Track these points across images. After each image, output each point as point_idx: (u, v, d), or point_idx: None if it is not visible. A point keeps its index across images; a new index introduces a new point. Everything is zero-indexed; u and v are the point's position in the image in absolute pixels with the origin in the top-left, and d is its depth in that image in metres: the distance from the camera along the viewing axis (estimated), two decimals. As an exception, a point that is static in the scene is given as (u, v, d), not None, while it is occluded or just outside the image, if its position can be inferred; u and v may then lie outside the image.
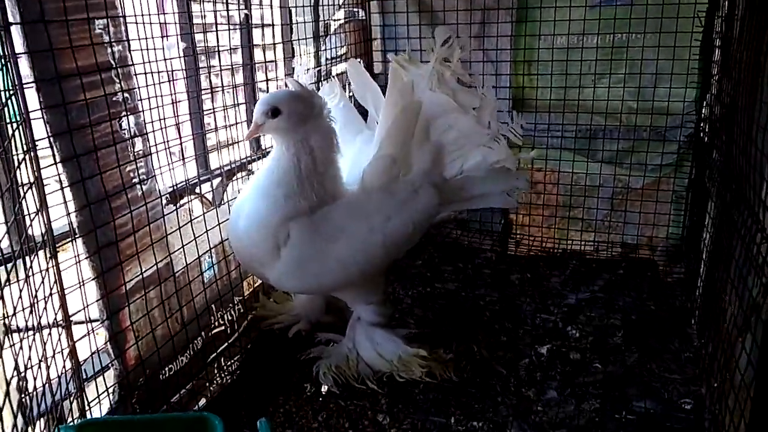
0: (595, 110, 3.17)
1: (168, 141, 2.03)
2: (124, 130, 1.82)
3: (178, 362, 2.13)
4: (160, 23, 1.96)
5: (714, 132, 2.66)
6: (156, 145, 1.98)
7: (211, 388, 2.24)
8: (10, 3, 1.45)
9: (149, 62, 1.91)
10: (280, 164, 2.01)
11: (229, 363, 2.38)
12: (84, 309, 1.73)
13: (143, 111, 1.91)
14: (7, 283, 1.29)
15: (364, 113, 2.57)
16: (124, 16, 1.80)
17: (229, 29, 2.35)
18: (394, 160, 2.12)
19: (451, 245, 3.50)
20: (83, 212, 1.69)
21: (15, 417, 1.23)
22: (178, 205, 2.13)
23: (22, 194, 1.46)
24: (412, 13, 3.35)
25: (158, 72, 1.97)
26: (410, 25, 3.35)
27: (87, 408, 1.76)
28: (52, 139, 1.59)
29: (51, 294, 1.57)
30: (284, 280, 2.13)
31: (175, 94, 2.07)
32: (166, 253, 2.05)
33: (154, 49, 1.93)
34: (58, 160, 1.62)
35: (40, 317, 1.50)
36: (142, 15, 1.87)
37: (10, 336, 1.34)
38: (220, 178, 2.41)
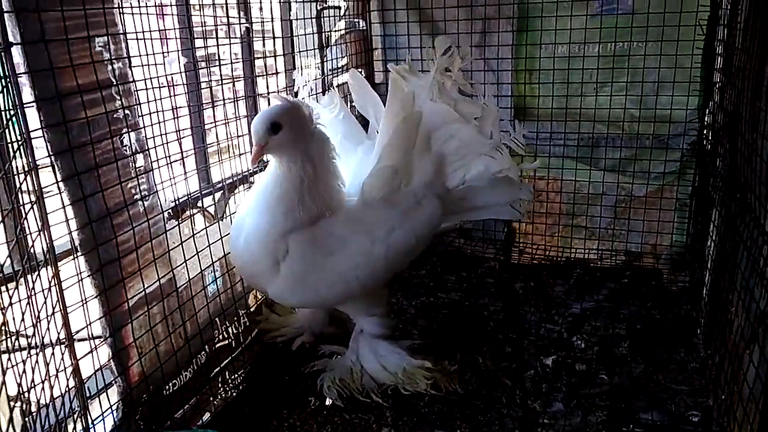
0: (597, 118, 3.16)
1: (170, 156, 2.02)
2: (125, 146, 1.82)
3: (181, 377, 2.13)
4: (160, 38, 1.95)
5: (717, 140, 2.65)
6: (158, 160, 1.98)
7: (215, 402, 2.23)
8: (10, 23, 1.45)
9: (150, 78, 1.91)
10: (282, 180, 1.98)
11: (233, 377, 2.37)
12: (87, 326, 1.72)
13: (144, 127, 1.91)
14: (10, 304, 1.29)
15: (365, 124, 2.56)
16: (125, 33, 1.80)
17: (230, 42, 2.35)
18: (395, 170, 2.11)
19: (454, 254, 3.49)
20: (85, 230, 1.69)
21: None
22: (180, 219, 2.12)
23: (24, 213, 1.46)
24: (413, 23, 3.35)
25: (159, 87, 1.97)
26: (411, 35, 3.35)
27: (91, 426, 1.75)
28: (53, 157, 1.59)
29: (54, 312, 1.57)
30: (285, 295, 2.12)
31: (176, 108, 2.07)
32: (169, 269, 2.04)
33: (155, 64, 1.93)
34: (59, 178, 1.62)
35: (42, 337, 1.50)
36: (143, 31, 1.87)
37: (13, 356, 1.34)
38: (222, 192, 2.41)
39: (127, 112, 1.82)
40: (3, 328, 1.28)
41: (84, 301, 1.70)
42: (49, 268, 1.58)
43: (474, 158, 2.25)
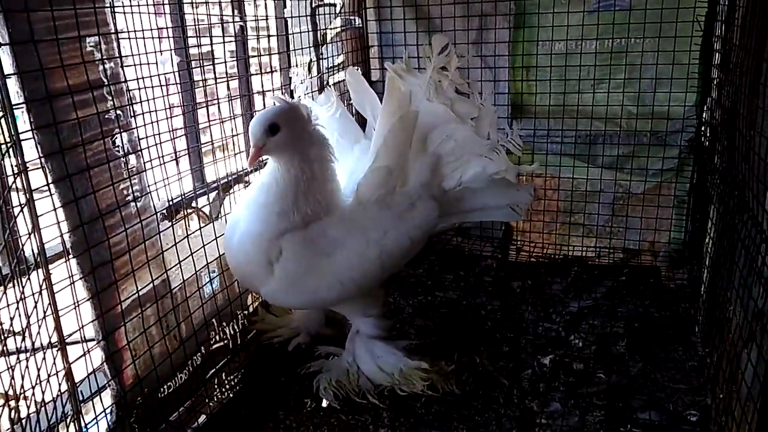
0: (594, 115, 3.14)
1: (163, 156, 2.01)
2: (117, 147, 1.80)
3: (176, 379, 2.11)
4: (152, 37, 1.93)
5: (715, 137, 2.64)
6: (151, 160, 1.96)
7: (211, 404, 2.21)
8: (-2, 24, 1.43)
9: (143, 78, 1.89)
10: (278, 181, 1.96)
11: (228, 378, 2.35)
12: (80, 329, 1.71)
13: (137, 127, 1.89)
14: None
15: (362, 122, 2.55)
16: (117, 32, 1.78)
17: (224, 41, 2.33)
18: (390, 171, 2.10)
19: (451, 253, 3.48)
20: (77, 232, 1.67)
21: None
22: (174, 220, 2.11)
23: (14, 216, 1.44)
24: (409, 20, 3.34)
25: (152, 87, 1.95)
26: (407, 32, 3.34)
27: (84, 429, 1.74)
28: (43, 159, 1.57)
29: (45, 315, 1.56)
30: (278, 296, 2.11)
31: (170, 108, 2.05)
32: (163, 270, 2.02)
33: (148, 64, 1.91)
34: (50, 180, 1.60)
35: (33, 341, 1.48)
36: (135, 30, 1.85)
37: (3, 360, 1.32)
38: (216, 191, 2.39)
39: (119, 112, 1.80)
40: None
41: (76, 304, 1.68)
42: (40, 270, 1.56)
43: (471, 159, 2.22)
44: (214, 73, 2.27)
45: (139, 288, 1.91)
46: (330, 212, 2.04)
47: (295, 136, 1.94)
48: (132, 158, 1.87)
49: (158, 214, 2.00)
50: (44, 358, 1.55)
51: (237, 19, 2.43)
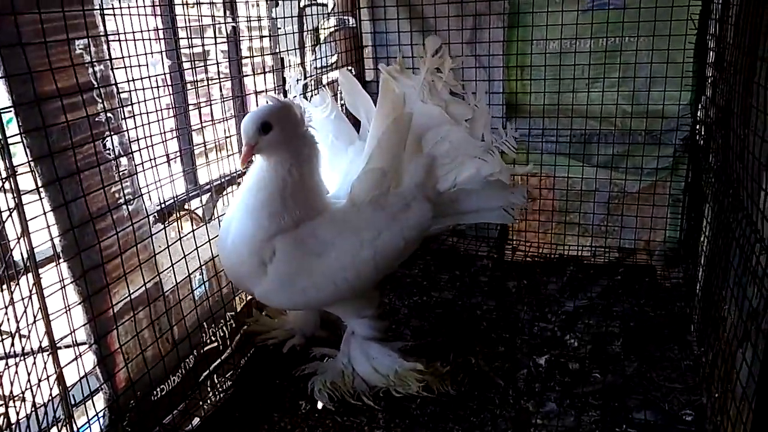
0: (589, 114, 3.14)
1: (155, 159, 1.99)
2: (108, 150, 1.79)
3: (169, 382, 2.10)
4: (143, 39, 1.92)
5: (709, 135, 2.63)
6: (142, 163, 1.95)
7: (205, 407, 2.21)
8: (-15, 27, 1.42)
9: (134, 80, 1.88)
10: (267, 182, 1.96)
11: (222, 381, 2.35)
12: (71, 333, 1.70)
13: (128, 129, 1.88)
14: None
15: (355, 123, 2.54)
16: (106, 35, 1.76)
17: (215, 42, 2.32)
18: (384, 172, 2.09)
19: (447, 252, 3.47)
20: (67, 236, 1.66)
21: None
22: (166, 222, 2.10)
23: (2, 220, 1.43)
24: (403, 20, 3.33)
25: (143, 89, 1.94)
26: (401, 32, 3.33)
27: (76, 434, 1.73)
28: (33, 163, 1.56)
29: (35, 320, 1.55)
30: (272, 297, 2.10)
31: (161, 110, 2.04)
32: (155, 273, 2.01)
33: (138, 66, 1.90)
34: (40, 183, 1.59)
35: (23, 346, 1.47)
36: (125, 32, 1.84)
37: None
38: (209, 194, 2.38)
39: (109, 115, 1.78)
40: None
41: (67, 308, 1.67)
42: (29, 275, 1.55)
43: (465, 161, 2.22)
44: (206, 74, 2.25)
45: (132, 291, 1.89)
46: (319, 213, 2.03)
47: (288, 136, 1.94)
48: (123, 161, 1.86)
49: (150, 216, 1.99)
50: (35, 363, 1.54)
51: (229, 19, 2.42)
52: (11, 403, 1.46)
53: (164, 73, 2.06)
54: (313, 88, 2.90)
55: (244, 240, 1.98)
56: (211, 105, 2.31)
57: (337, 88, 2.98)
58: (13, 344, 1.41)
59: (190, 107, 2.27)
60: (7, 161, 1.47)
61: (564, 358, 2.45)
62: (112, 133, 1.80)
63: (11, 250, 1.46)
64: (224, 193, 2.45)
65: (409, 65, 2.30)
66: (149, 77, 1.95)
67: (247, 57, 2.56)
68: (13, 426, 1.44)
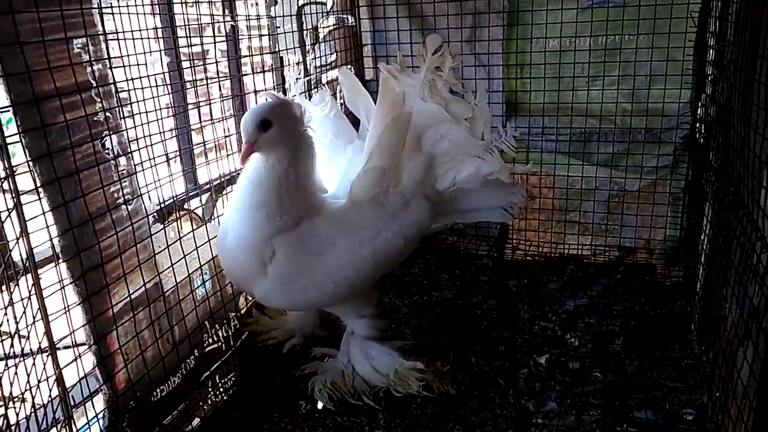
0: (589, 113, 3.13)
1: (154, 158, 1.99)
2: (107, 149, 1.78)
3: (170, 383, 2.09)
4: (142, 38, 1.91)
5: (710, 133, 2.63)
6: (141, 162, 1.95)
7: (205, 407, 2.20)
8: (-18, 26, 1.41)
9: (132, 79, 1.88)
10: (262, 181, 1.95)
11: (222, 381, 2.34)
12: (70, 334, 1.69)
13: (127, 129, 1.87)
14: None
15: (355, 122, 2.53)
16: (105, 34, 1.76)
17: (215, 41, 2.31)
18: (384, 171, 2.08)
19: (447, 251, 3.47)
20: (66, 236, 1.66)
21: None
22: (166, 222, 2.09)
23: (1, 220, 1.43)
24: (403, 19, 3.32)
25: (142, 88, 1.93)
26: (401, 31, 3.32)
27: (76, 435, 1.72)
28: (31, 163, 1.56)
29: (35, 321, 1.54)
30: (272, 297, 2.09)
31: (160, 109, 2.03)
32: (155, 273, 2.01)
33: (137, 65, 1.89)
34: (38, 184, 1.58)
35: (23, 347, 1.46)
36: (123, 31, 1.83)
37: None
38: (209, 193, 2.38)
39: (108, 114, 1.78)
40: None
41: (67, 309, 1.67)
42: (29, 275, 1.54)
43: (465, 159, 2.20)
44: (205, 73, 2.25)
45: (131, 291, 1.89)
46: (318, 212, 2.03)
47: (287, 133, 1.93)
48: (122, 160, 1.85)
49: (150, 216, 1.99)
50: (34, 363, 1.53)
51: (228, 18, 2.41)
52: (11, 404, 1.46)
53: (163, 72, 2.06)
54: (312, 87, 2.89)
55: (243, 240, 1.98)
56: (210, 104, 2.30)
57: (336, 86, 2.97)
58: (12, 345, 1.40)
59: (190, 106, 2.26)
60: (5, 161, 1.46)
61: (564, 357, 2.45)
62: (110, 132, 1.79)
63: (10, 250, 1.45)
64: (224, 192, 2.44)
65: (409, 64, 2.29)
66: (148, 76, 1.94)
67: (246, 56, 2.55)
68: (13, 427, 1.44)
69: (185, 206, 2.31)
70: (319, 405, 2.20)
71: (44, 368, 1.58)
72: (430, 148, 2.20)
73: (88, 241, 1.73)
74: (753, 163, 1.68)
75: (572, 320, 2.71)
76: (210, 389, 2.29)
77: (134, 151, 1.91)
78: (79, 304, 1.71)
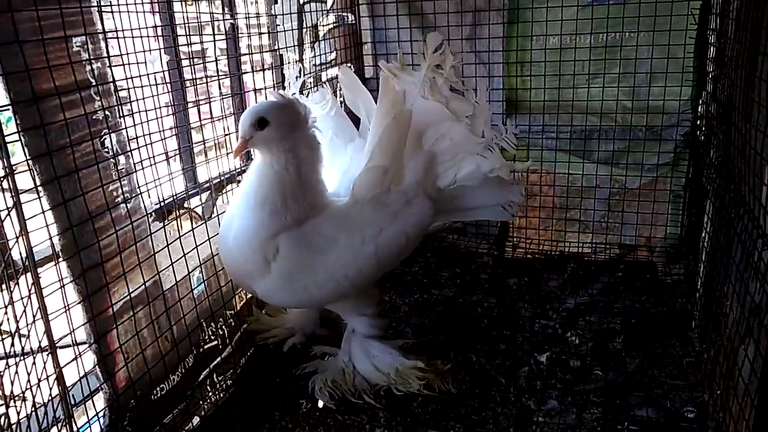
0: (589, 110, 3.13)
1: (154, 157, 1.98)
2: (106, 148, 1.78)
3: (170, 381, 2.09)
4: (141, 36, 1.91)
5: (710, 130, 2.62)
6: (141, 161, 1.94)
7: (205, 406, 2.20)
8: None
9: (132, 77, 1.87)
10: (264, 180, 1.95)
11: (222, 379, 2.34)
12: (71, 333, 1.69)
13: (126, 127, 1.87)
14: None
15: (356, 120, 2.53)
16: (104, 32, 1.75)
17: (214, 40, 2.31)
18: (385, 170, 2.08)
19: (447, 250, 3.46)
20: (66, 235, 1.65)
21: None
22: (166, 221, 2.09)
23: (1, 219, 1.42)
24: (402, 17, 3.31)
25: (142, 87, 1.93)
26: (401, 29, 3.32)
27: (76, 434, 1.72)
28: (31, 161, 1.55)
29: (35, 320, 1.54)
30: (274, 295, 2.09)
31: (160, 108, 2.03)
32: (154, 272, 2.01)
33: (137, 63, 1.89)
34: (38, 182, 1.57)
35: (23, 345, 1.46)
36: (123, 30, 1.82)
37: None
38: (209, 192, 2.37)
39: (107, 112, 1.77)
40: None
41: (67, 308, 1.66)
42: (28, 274, 1.54)
43: (465, 157, 2.20)
44: (205, 71, 2.24)
45: (131, 290, 1.88)
46: (320, 210, 2.03)
47: (283, 133, 1.93)
48: (122, 159, 1.85)
49: (150, 215, 1.98)
50: (34, 362, 1.53)
51: (228, 16, 2.41)
52: (11, 403, 1.46)
53: (163, 71, 2.05)
54: (312, 85, 2.89)
55: (246, 238, 1.97)
56: (210, 102, 2.29)
57: (336, 85, 2.97)
58: (12, 344, 1.40)
59: (189, 105, 2.26)
60: (5, 160, 1.45)
61: (565, 355, 2.44)
62: (110, 131, 1.79)
63: (10, 249, 1.45)
64: (224, 191, 2.44)
65: (409, 62, 2.28)
66: (147, 75, 1.94)
67: (246, 54, 2.55)
68: (13, 426, 1.44)
69: (185, 205, 2.31)
70: (320, 404, 2.20)
71: (44, 367, 1.58)
72: (431, 146, 2.20)
73: (87, 239, 1.73)
74: (754, 160, 1.68)
75: (573, 318, 2.71)
76: (210, 388, 2.28)
77: (134, 149, 1.90)
78: (79, 302, 1.71)
